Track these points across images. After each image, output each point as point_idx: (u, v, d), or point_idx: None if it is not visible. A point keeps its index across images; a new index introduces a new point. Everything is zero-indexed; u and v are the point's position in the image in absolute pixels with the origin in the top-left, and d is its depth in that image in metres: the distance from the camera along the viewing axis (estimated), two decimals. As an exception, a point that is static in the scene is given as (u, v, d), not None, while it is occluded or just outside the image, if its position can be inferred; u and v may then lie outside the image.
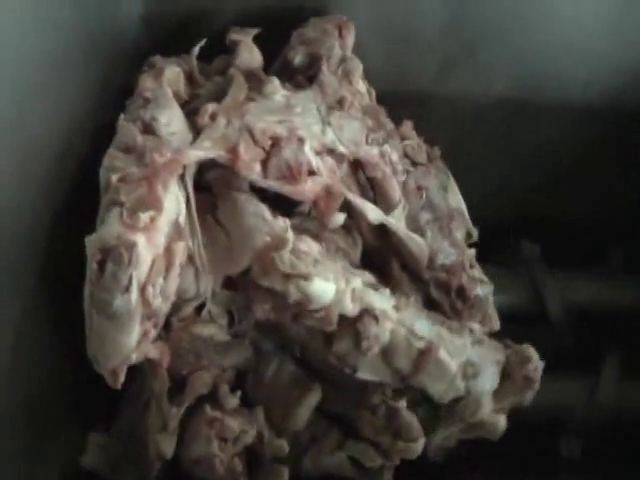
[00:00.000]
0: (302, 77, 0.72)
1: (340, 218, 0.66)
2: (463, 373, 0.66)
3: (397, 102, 0.73)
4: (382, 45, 0.78)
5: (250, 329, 0.68)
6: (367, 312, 0.63)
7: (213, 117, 0.66)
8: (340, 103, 0.70)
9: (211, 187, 0.66)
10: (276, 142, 0.65)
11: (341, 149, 0.67)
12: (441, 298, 0.68)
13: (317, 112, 0.69)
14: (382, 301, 0.65)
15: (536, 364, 0.67)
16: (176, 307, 0.64)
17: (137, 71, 0.72)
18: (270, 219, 0.63)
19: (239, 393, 0.67)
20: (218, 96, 0.69)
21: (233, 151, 0.64)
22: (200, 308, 0.66)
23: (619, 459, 0.75)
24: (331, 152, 0.67)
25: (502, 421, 0.68)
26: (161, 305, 0.60)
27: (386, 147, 0.69)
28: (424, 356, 0.64)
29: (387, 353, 0.64)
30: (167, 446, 0.66)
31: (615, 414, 0.76)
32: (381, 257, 0.69)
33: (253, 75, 0.71)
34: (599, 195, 0.88)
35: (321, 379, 0.68)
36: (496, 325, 0.70)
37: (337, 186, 0.66)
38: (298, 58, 0.73)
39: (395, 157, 0.69)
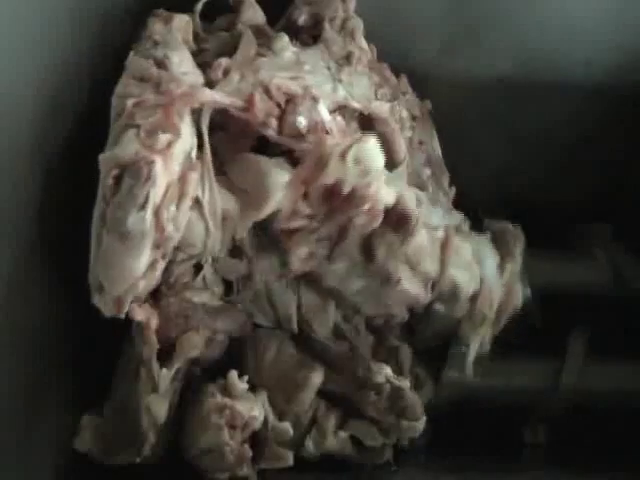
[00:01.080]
0: (307, 36, 0.71)
1: None
2: (474, 258, 0.67)
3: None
4: (383, 26, 0.76)
5: (248, 301, 0.66)
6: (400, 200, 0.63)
7: (226, 72, 0.64)
8: (347, 59, 0.69)
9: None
10: (291, 99, 0.63)
11: (354, 104, 0.66)
12: None
13: (327, 69, 0.67)
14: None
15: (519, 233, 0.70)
16: (169, 270, 0.62)
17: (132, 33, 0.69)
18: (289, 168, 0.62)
19: (246, 378, 0.64)
20: (225, 52, 0.67)
21: (249, 100, 0.62)
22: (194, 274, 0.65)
23: (584, 444, 0.74)
24: (343, 108, 0.66)
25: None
26: (172, 234, 0.57)
27: (396, 103, 0.69)
28: (446, 247, 0.65)
29: (414, 260, 0.64)
30: (159, 408, 0.62)
31: (581, 397, 0.74)
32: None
33: (260, 31, 0.70)
34: (602, 174, 0.86)
35: (320, 360, 0.66)
36: None
37: None
38: (302, 18, 0.72)
39: (404, 113, 0.69)
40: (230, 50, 0.68)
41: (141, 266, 0.56)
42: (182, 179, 0.57)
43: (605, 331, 0.76)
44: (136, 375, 0.62)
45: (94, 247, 0.57)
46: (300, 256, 0.62)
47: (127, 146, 0.56)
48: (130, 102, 0.58)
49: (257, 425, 0.63)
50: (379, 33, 0.74)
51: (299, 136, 0.62)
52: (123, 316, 0.59)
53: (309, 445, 0.66)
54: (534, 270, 0.74)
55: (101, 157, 0.56)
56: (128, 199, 0.54)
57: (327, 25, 0.71)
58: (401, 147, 0.67)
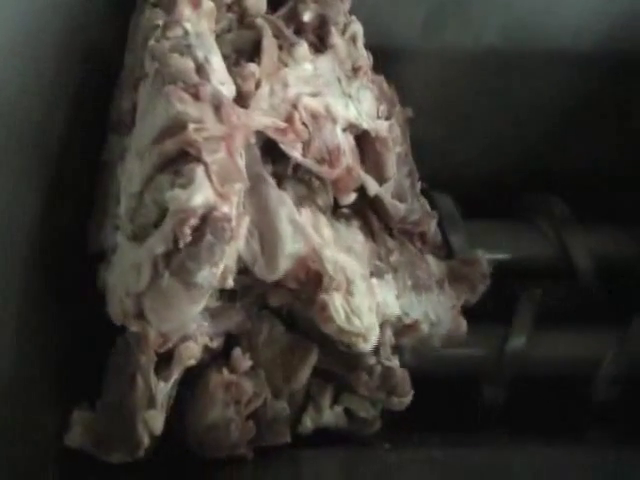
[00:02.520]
0: (312, 35, 0.67)
1: (352, 196, 0.65)
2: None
3: (384, 58, 0.70)
4: (366, 0, 0.74)
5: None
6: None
7: (257, 83, 0.61)
8: (355, 71, 0.67)
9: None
10: (315, 120, 0.62)
11: (364, 125, 0.65)
12: (401, 238, 0.70)
13: (338, 83, 0.65)
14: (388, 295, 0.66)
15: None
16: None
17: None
18: (306, 229, 0.61)
19: (248, 355, 0.64)
20: (243, 48, 0.64)
21: (289, 120, 0.60)
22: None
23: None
24: (353, 128, 0.65)
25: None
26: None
27: (393, 121, 0.68)
28: (410, 329, 0.68)
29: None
30: (156, 423, 0.61)
31: (526, 366, 0.75)
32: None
33: (277, 29, 0.65)
34: (594, 144, 0.86)
35: (309, 338, 0.67)
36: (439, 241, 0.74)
37: (357, 167, 0.65)
38: (308, 15, 0.67)
39: (398, 131, 0.68)
40: (249, 47, 0.64)
41: (196, 312, 0.56)
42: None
43: (552, 301, 0.77)
44: (132, 381, 0.61)
45: (147, 277, 0.54)
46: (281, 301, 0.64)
47: (200, 190, 0.53)
48: (192, 127, 0.54)
49: (259, 402, 0.64)
50: (361, 7, 0.71)
51: (322, 160, 0.62)
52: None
53: (306, 421, 0.67)
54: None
55: (170, 196, 0.53)
56: (206, 255, 0.52)
57: (333, 29, 0.67)
58: (392, 165, 0.67)
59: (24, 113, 0.61)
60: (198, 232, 0.52)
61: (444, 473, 0.67)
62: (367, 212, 0.68)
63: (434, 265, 0.71)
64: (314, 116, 0.62)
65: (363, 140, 0.66)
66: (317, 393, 0.68)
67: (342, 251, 0.63)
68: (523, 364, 0.75)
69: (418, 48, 0.77)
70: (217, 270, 0.53)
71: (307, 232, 0.60)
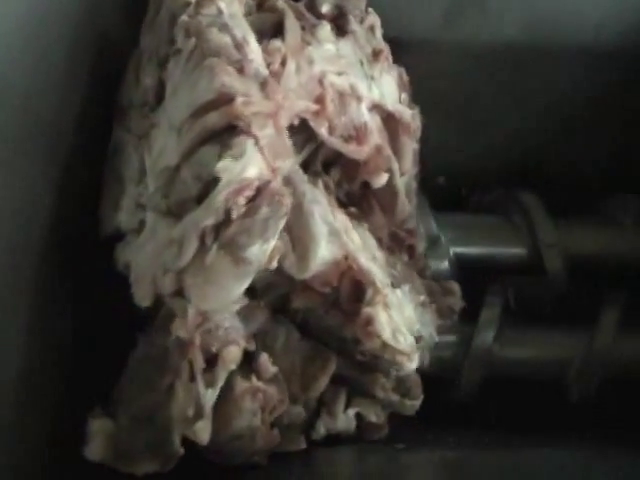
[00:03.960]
0: (331, 25, 0.65)
1: (384, 177, 0.63)
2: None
3: (404, 49, 0.69)
4: None
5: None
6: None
7: (283, 60, 0.59)
8: (376, 56, 0.66)
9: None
10: (341, 98, 0.61)
11: (388, 106, 0.64)
12: (392, 248, 0.68)
13: (360, 65, 0.64)
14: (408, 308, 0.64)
15: (459, 298, 0.69)
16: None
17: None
18: (341, 232, 0.59)
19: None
20: (265, 30, 0.61)
21: (320, 101, 0.59)
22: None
23: (618, 415, 0.74)
24: (377, 108, 0.64)
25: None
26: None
27: (416, 111, 0.67)
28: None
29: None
30: (204, 434, 0.57)
31: (611, 367, 0.73)
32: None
33: (298, 12, 0.63)
34: (612, 141, 0.85)
35: (324, 344, 0.65)
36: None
37: (386, 147, 0.63)
38: (326, 7, 0.66)
39: (419, 123, 0.67)
40: (270, 29, 0.62)
41: (240, 291, 0.53)
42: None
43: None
44: (169, 391, 0.58)
45: (188, 248, 0.51)
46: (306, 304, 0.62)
47: (253, 163, 0.51)
48: (240, 100, 0.52)
49: (282, 409, 0.61)
50: (380, 0, 0.70)
51: (349, 138, 0.61)
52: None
53: (320, 427, 0.65)
54: (564, 238, 0.75)
55: (220, 166, 0.51)
56: (260, 229, 0.51)
57: (352, 17, 0.66)
58: (410, 157, 0.66)
59: (37, 104, 0.59)
60: (253, 204, 0.51)
61: (457, 473, 0.66)
62: (374, 212, 0.66)
63: (419, 284, 0.69)
64: (340, 94, 0.61)
65: (387, 124, 0.65)
66: (331, 399, 0.65)
67: (369, 259, 0.61)
68: (492, 362, 0.74)
69: (437, 41, 0.76)
70: (268, 247, 0.51)
71: (342, 236, 0.59)
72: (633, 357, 0.74)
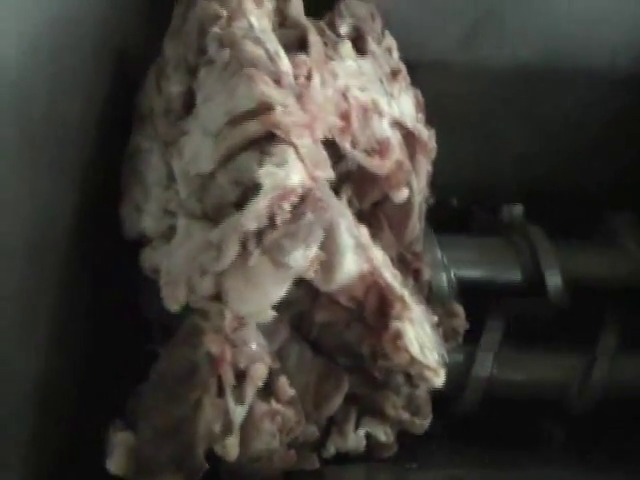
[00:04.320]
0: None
1: (405, 192, 0.64)
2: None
3: (421, 69, 0.70)
4: (405, 12, 0.74)
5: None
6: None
7: (309, 74, 0.60)
8: (394, 75, 0.67)
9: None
10: (364, 112, 0.62)
11: (407, 123, 0.65)
12: (400, 270, 0.67)
13: (380, 83, 0.66)
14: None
15: (463, 320, 0.69)
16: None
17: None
18: (367, 245, 0.60)
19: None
20: (289, 46, 0.62)
21: (346, 117, 0.60)
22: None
23: (614, 438, 0.74)
24: (397, 125, 0.65)
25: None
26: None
27: (433, 132, 0.69)
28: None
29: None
30: (233, 449, 0.57)
31: (611, 389, 0.74)
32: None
33: (320, 30, 0.65)
34: (624, 165, 0.85)
35: (337, 364, 0.65)
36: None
37: (407, 162, 0.65)
38: (344, 28, 0.68)
39: (434, 144, 0.68)
40: (294, 44, 0.63)
41: (278, 296, 0.54)
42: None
43: (637, 322, 0.76)
44: (197, 406, 0.57)
45: (228, 252, 0.52)
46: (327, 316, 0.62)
47: (295, 170, 0.52)
48: (279, 109, 0.54)
49: (299, 430, 0.61)
50: (398, 22, 0.72)
51: (372, 152, 0.62)
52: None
53: (330, 446, 0.65)
54: (563, 260, 0.75)
55: (263, 172, 0.52)
56: (304, 234, 0.52)
57: (370, 39, 0.68)
58: (424, 179, 0.68)
59: (62, 108, 0.60)
60: (297, 210, 0.52)
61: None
62: (383, 230, 0.67)
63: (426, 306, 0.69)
64: (363, 108, 0.62)
65: (405, 142, 0.66)
66: (341, 418, 0.65)
67: (391, 275, 0.62)
68: (492, 383, 0.74)
69: (452, 63, 0.77)
70: (309, 253, 0.53)
71: (368, 249, 0.60)
72: (633, 379, 0.76)
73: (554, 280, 0.76)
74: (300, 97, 0.56)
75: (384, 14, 0.71)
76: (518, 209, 0.81)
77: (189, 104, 0.60)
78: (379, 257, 0.62)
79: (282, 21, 0.66)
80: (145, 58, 0.66)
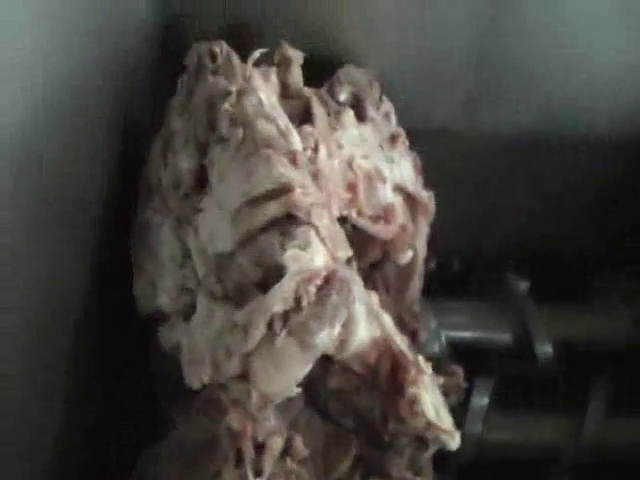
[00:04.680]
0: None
1: (409, 255, 0.67)
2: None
3: (422, 138, 0.71)
4: (406, 80, 0.75)
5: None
6: None
7: (316, 145, 0.61)
8: (393, 140, 0.69)
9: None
10: (369, 180, 0.64)
11: (409, 187, 0.67)
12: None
13: (381, 149, 0.68)
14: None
15: (462, 377, 0.71)
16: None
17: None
18: (379, 312, 0.61)
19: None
20: (292, 116, 0.63)
21: (353, 189, 0.62)
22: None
23: None
24: (398, 190, 0.67)
25: None
26: None
27: (431, 194, 0.70)
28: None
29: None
30: None
31: (601, 452, 0.75)
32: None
33: (322, 99, 0.67)
34: (628, 230, 0.86)
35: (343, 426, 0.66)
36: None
37: (410, 225, 0.67)
38: (344, 95, 0.69)
39: (433, 206, 0.70)
40: (297, 115, 0.65)
41: (302, 375, 0.55)
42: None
43: (626, 385, 0.76)
44: (216, 476, 0.58)
45: (254, 334, 0.53)
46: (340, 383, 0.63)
47: (319, 253, 0.53)
48: (299, 191, 0.55)
49: None
50: (399, 90, 0.73)
51: (377, 219, 0.64)
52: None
53: None
54: (554, 324, 0.76)
55: (289, 256, 0.53)
56: (330, 316, 0.53)
57: (369, 105, 0.70)
58: (423, 241, 0.69)
59: (72, 177, 0.60)
60: (322, 292, 0.53)
61: None
62: (379, 292, 0.66)
63: None
64: (367, 176, 0.64)
65: (407, 204, 0.68)
66: (347, 478, 0.65)
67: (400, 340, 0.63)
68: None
69: (455, 130, 0.78)
70: (334, 332, 0.54)
71: (380, 315, 0.60)
72: (622, 442, 0.77)
73: (543, 348, 0.77)
74: (315, 175, 0.58)
75: (387, 83, 0.72)
76: (524, 285, 0.81)
77: (200, 181, 0.61)
78: (389, 323, 0.62)
79: (283, 90, 0.67)
80: (148, 128, 0.68)
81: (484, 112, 0.78)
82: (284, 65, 0.68)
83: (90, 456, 0.65)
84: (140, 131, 0.69)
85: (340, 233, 0.57)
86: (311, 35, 0.71)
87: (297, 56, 0.68)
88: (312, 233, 0.54)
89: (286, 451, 0.61)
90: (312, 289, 0.53)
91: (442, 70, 0.75)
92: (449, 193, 0.71)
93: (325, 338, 0.53)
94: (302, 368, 0.54)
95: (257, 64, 0.64)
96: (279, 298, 0.52)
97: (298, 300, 0.53)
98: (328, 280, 0.53)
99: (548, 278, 0.80)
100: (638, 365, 0.79)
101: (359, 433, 0.65)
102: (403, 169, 0.68)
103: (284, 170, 0.55)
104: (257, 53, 0.64)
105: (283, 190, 0.55)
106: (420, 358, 0.62)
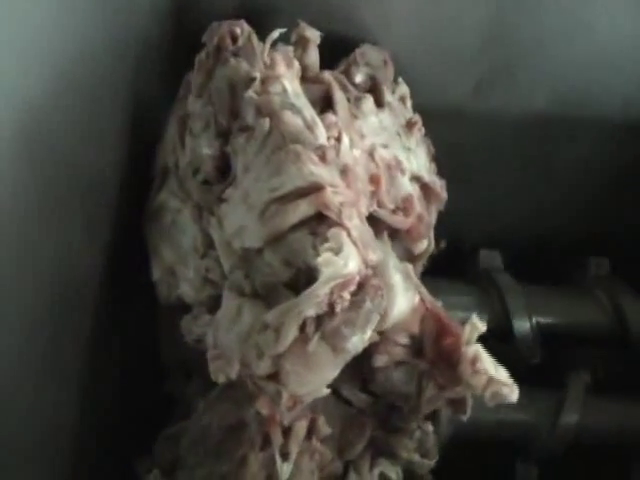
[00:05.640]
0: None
1: (425, 244, 0.66)
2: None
3: (435, 118, 0.70)
4: (420, 60, 0.72)
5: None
6: None
7: (339, 137, 0.59)
8: (410, 127, 0.68)
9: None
10: (389, 171, 0.63)
11: (425, 177, 0.66)
12: None
13: (399, 137, 0.66)
14: None
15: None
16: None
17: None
18: (414, 277, 0.59)
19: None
20: (312, 100, 0.61)
21: (375, 181, 0.61)
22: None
23: None
24: (416, 179, 0.66)
25: None
26: None
27: (444, 182, 0.69)
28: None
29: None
30: None
31: (579, 436, 0.74)
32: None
33: (342, 85, 0.65)
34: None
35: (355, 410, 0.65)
36: None
37: (426, 215, 0.66)
38: (360, 76, 0.68)
39: (446, 194, 0.69)
40: (318, 101, 0.63)
41: (335, 375, 0.55)
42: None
43: (605, 370, 0.77)
44: (242, 461, 0.58)
45: (285, 335, 0.52)
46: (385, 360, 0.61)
47: (352, 257, 0.52)
48: (330, 190, 0.53)
49: (332, 467, 0.63)
50: (413, 70, 0.72)
51: (396, 210, 0.63)
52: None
53: None
54: (536, 307, 0.76)
55: (325, 262, 0.52)
56: (362, 322, 0.52)
57: (385, 89, 0.68)
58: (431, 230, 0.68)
59: (83, 165, 0.59)
60: (356, 298, 0.52)
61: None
62: None
63: None
64: (388, 167, 0.63)
65: (422, 193, 0.68)
66: (359, 458, 0.65)
67: None
68: (575, 436, 0.74)
69: (468, 111, 0.76)
70: (366, 336, 0.53)
71: (415, 280, 0.59)
72: (601, 423, 0.76)
73: (522, 327, 0.76)
74: (345, 172, 0.57)
75: (398, 62, 0.70)
76: (496, 257, 0.81)
77: (222, 168, 0.60)
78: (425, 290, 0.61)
79: (303, 73, 0.65)
80: (161, 107, 0.66)
81: (496, 93, 0.76)
82: (301, 45, 0.66)
83: (107, 438, 0.65)
84: (153, 109, 0.67)
85: (369, 233, 0.56)
86: (324, 14, 0.69)
87: (315, 36, 0.66)
88: (344, 235, 0.53)
89: (309, 431, 0.61)
90: (346, 295, 0.52)
91: (454, 50, 0.73)
92: (459, 175, 0.71)
93: (357, 343, 0.52)
94: (333, 371, 0.54)
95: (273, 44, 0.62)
96: (312, 302, 0.51)
97: (331, 305, 0.52)
98: (361, 286, 0.52)
99: (559, 263, 0.81)
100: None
101: (371, 416, 0.65)
102: (419, 158, 0.67)
103: (314, 168, 0.54)
104: (276, 33, 0.62)
105: (313, 188, 0.54)
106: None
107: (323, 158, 0.56)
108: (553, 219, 0.84)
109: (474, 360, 0.58)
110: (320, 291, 0.52)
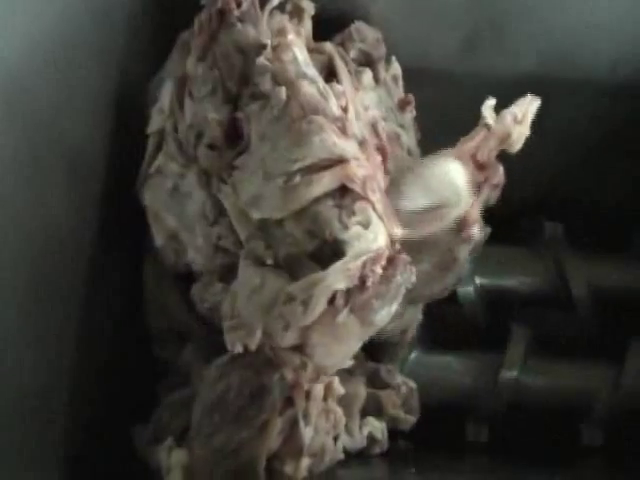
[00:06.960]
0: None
1: None
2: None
3: (420, 79, 0.69)
4: (405, 20, 0.71)
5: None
6: None
7: (346, 107, 0.59)
8: (402, 106, 0.67)
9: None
10: (391, 144, 0.62)
11: (416, 155, 0.66)
12: None
13: (392, 113, 0.66)
14: None
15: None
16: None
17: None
18: None
19: None
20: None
21: (382, 153, 0.60)
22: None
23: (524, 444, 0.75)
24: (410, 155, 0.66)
25: None
26: None
27: None
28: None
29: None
30: (305, 469, 0.58)
31: (517, 393, 0.74)
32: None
33: (342, 57, 0.64)
34: (626, 176, 0.83)
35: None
36: None
37: None
38: (354, 52, 0.66)
39: None
40: (321, 71, 0.62)
41: (359, 347, 0.56)
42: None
43: (547, 330, 0.77)
44: (263, 427, 0.56)
45: (312, 311, 0.53)
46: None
47: (380, 231, 0.53)
48: (354, 163, 0.54)
49: (342, 427, 0.63)
50: (398, 28, 0.71)
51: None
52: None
53: (339, 446, 0.64)
54: (590, 273, 0.76)
55: (355, 235, 0.52)
56: (392, 295, 0.52)
57: (380, 67, 0.67)
58: None
59: (66, 129, 0.59)
60: (387, 272, 0.52)
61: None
62: None
63: None
64: (389, 140, 0.62)
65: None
66: (349, 421, 0.65)
67: None
68: (518, 391, 0.75)
69: (453, 71, 0.75)
70: (392, 310, 0.54)
71: None
72: (540, 385, 0.76)
73: (581, 292, 0.77)
74: (363, 145, 0.57)
75: (382, 22, 0.70)
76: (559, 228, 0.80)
77: (232, 135, 0.59)
78: None
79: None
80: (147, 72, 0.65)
81: (482, 54, 0.75)
82: (297, 15, 0.65)
83: (102, 404, 0.64)
84: (140, 76, 0.65)
85: (391, 207, 0.56)
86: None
87: (310, 7, 0.65)
88: (370, 209, 0.53)
89: (325, 393, 0.60)
90: (378, 270, 0.52)
91: (439, 9, 0.72)
92: (444, 136, 0.66)
93: (384, 316, 0.53)
94: (358, 343, 0.55)
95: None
96: (343, 275, 0.52)
97: (362, 279, 0.52)
98: (391, 260, 0.53)
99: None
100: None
101: (361, 375, 0.67)
102: (411, 138, 0.68)
103: (338, 141, 0.54)
104: (275, 1, 0.61)
105: (337, 161, 0.54)
106: None
107: (343, 130, 0.56)
108: (542, 180, 0.84)
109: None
110: (351, 265, 0.52)
